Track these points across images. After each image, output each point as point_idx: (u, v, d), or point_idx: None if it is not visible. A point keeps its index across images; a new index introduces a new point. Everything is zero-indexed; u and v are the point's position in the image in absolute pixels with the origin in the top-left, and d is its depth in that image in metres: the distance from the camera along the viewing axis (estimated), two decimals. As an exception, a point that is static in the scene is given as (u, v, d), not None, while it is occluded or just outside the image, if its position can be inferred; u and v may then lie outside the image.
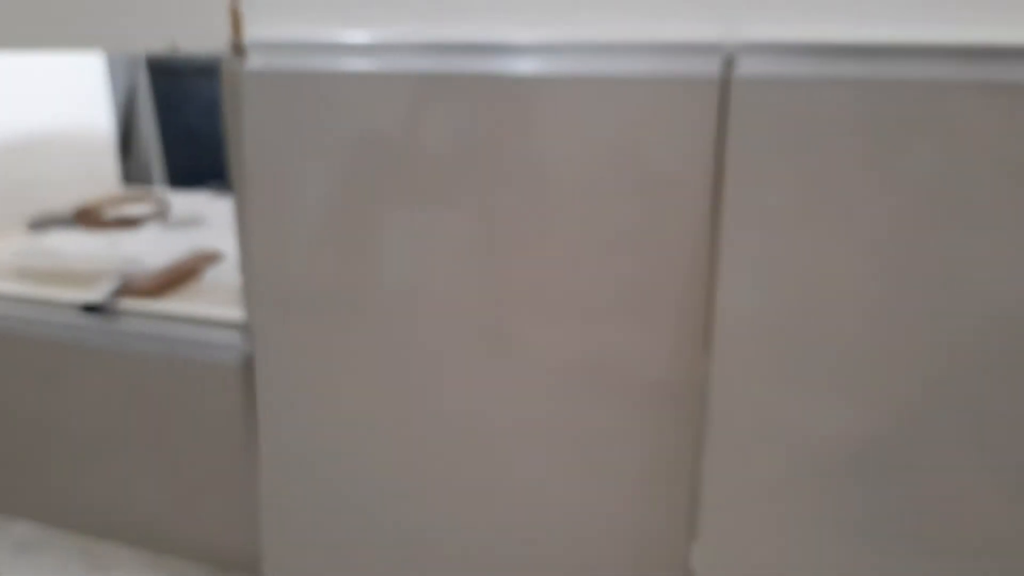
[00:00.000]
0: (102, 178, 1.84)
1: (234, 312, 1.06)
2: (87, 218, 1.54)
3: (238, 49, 0.92)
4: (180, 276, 1.21)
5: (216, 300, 1.12)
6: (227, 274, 1.22)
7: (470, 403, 0.93)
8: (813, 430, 0.81)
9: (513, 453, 0.93)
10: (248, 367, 1.03)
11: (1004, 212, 0.71)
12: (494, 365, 0.91)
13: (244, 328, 1.04)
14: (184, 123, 2.45)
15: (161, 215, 1.61)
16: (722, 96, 0.76)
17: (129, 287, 1.15)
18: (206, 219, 1.59)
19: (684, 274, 0.81)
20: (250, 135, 0.93)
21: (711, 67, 0.76)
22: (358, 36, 0.87)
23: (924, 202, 0.73)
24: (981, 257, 0.73)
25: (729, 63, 0.76)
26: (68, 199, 1.66)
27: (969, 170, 0.71)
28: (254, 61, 0.91)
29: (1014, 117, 0.69)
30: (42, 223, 1.51)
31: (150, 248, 1.35)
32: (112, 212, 1.62)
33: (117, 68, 2.31)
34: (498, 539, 0.97)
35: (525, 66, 0.82)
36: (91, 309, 1.10)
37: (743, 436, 0.83)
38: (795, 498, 0.83)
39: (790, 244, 0.77)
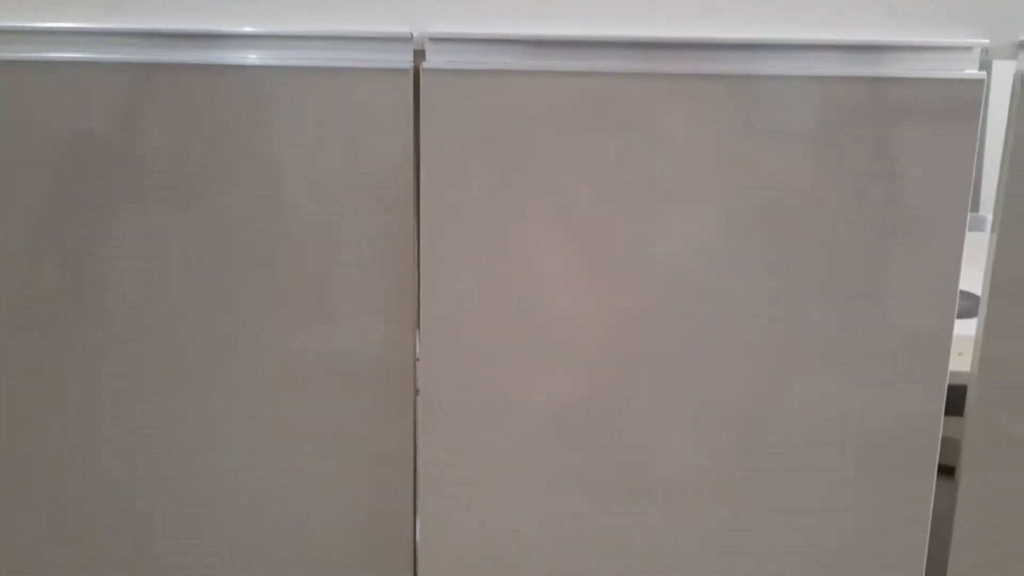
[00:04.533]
0: None
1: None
2: None
3: None
4: None
5: None
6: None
7: (200, 410, 0.91)
8: (521, 401, 0.87)
9: (247, 455, 0.92)
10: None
11: (678, 192, 0.80)
12: (227, 369, 0.89)
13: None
14: None
15: None
16: (416, 87, 0.78)
17: None
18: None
19: (400, 263, 0.84)
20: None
21: (405, 58, 0.79)
22: (59, 22, 0.80)
23: (617, 186, 0.80)
24: (663, 233, 0.81)
25: (420, 55, 0.79)
26: None
27: (651, 155, 0.79)
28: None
29: (680, 106, 0.78)
30: None
31: None
32: None
33: None
34: (228, 543, 0.96)
35: (243, 57, 0.81)
36: None
37: (453, 413, 0.87)
38: (508, 467, 0.89)
39: (489, 229, 0.81)
